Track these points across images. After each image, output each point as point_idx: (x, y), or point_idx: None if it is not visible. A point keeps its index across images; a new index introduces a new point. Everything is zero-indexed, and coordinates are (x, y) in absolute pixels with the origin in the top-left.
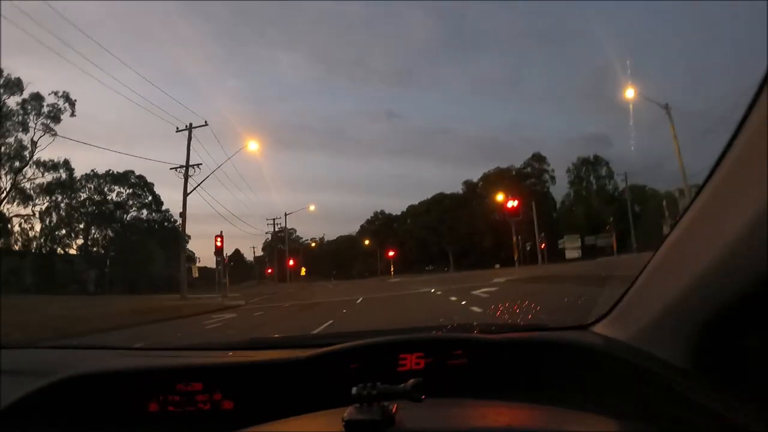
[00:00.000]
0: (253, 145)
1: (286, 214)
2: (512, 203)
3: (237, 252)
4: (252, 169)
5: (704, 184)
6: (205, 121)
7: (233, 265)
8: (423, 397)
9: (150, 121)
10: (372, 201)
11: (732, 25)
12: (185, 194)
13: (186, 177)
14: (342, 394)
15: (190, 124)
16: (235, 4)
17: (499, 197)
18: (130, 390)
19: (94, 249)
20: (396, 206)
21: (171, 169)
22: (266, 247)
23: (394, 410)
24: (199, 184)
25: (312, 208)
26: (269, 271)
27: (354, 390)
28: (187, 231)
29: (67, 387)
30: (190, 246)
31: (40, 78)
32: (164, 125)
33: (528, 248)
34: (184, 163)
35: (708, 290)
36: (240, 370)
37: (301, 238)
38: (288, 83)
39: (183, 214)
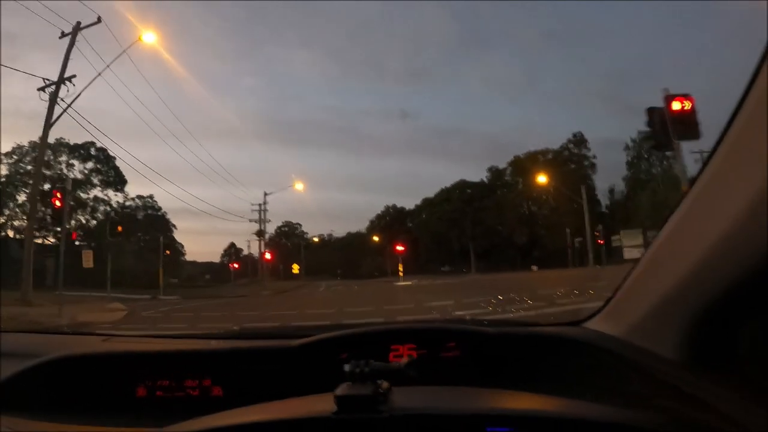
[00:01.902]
0: (149, 37)
1: (265, 194)
2: (680, 103)
3: (232, 246)
4: (261, 165)
5: (695, 180)
6: (99, 17)
7: (230, 260)
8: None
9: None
10: (386, 200)
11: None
12: (47, 124)
13: (54, 98)
14: (332, 382)
15: (77, 24)
16: (250, 3)
17: (539, 179)
18: (118, 373)
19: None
20: (410, 205)
21: (39, 89)
22: (269, 241)
23: (387, 388)
24: (70, 105)
25: (300, 186)
26: (235, 266)
27: (347, 367)
28: (181, 225)
29: (54, 368)
30: (180, 239)
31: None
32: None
33: (577, 245)
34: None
35: (700, 283)
36: (229, 356)
37: (306, 233)
38: (302, 82)
39: (39, 158)
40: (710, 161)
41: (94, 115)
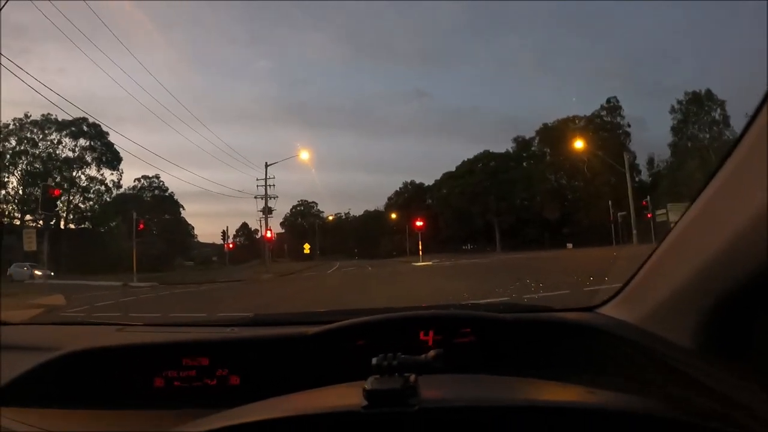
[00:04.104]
0: None
1: (266, 165)
2: None
3: (245, 226)
4: (276, 147)
5: (717, 169)
6: None
7: (244, 241)
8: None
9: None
10: (402, 179)
11: None
12: None
13: None
14: (350, 370)
15: None
16: None
17: (576, 144)
18: (136, 365)
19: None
20: (429, 182)
21: None
22: (284, 221)
23: (414, 381)
24: None
25: (305, 156)
26: (231, 246)
27: (374, 360)
28: (197, 208)
29: (71, 362)
30: (192, 222)
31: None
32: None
33: (620, 220)
34: None
35: (718, 273)
36: (246, 345)
37: (322, 212)
38: (315, 64)
39: None
40: (735, 149)
41: (107, 102)
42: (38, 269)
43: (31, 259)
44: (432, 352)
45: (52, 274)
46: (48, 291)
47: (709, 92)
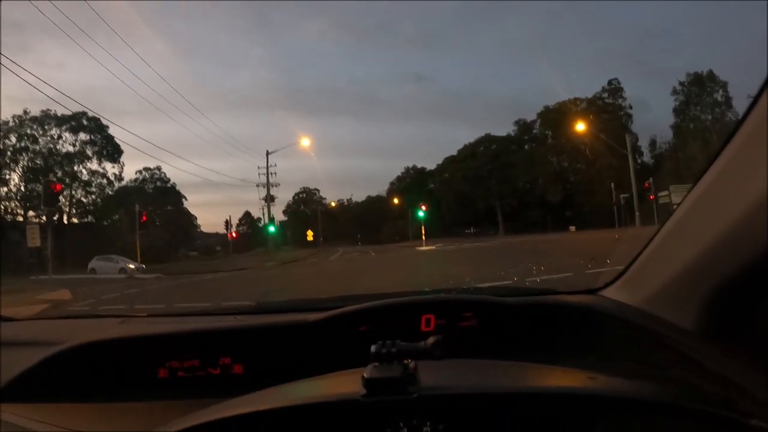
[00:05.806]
0: None
1: (268, 153)
2: None
3: (248, 215)
4: (276, 135)
5: (719, 152)
6: None
7: (247, 230)
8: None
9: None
10: (404, 164)
11: None
12: None
13: None
14: (352, 357)
15: None
16: None
17: (578, 126)
18: (139, 356)
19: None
20: (431, 166)
21: None
22: (287, 209)
23: (414, 368)
24: None
25: (306, 143)
26: (234, 235)
27: (373, 348)
28: (199, 198)
29: (74, 356)
30: (194, 213)
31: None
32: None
33: (622, 202)
34: None
35: (720, 256)
36: (249, 333)
37: (324, 199)
38: (314, 50)
39: None
40: (737, 132)
41: (105, 95)
42: (131, 263)
43: (35, 255)
44: (431, 339)
45: (144, 267)
46: (53, 286)
47: (711, 73)
